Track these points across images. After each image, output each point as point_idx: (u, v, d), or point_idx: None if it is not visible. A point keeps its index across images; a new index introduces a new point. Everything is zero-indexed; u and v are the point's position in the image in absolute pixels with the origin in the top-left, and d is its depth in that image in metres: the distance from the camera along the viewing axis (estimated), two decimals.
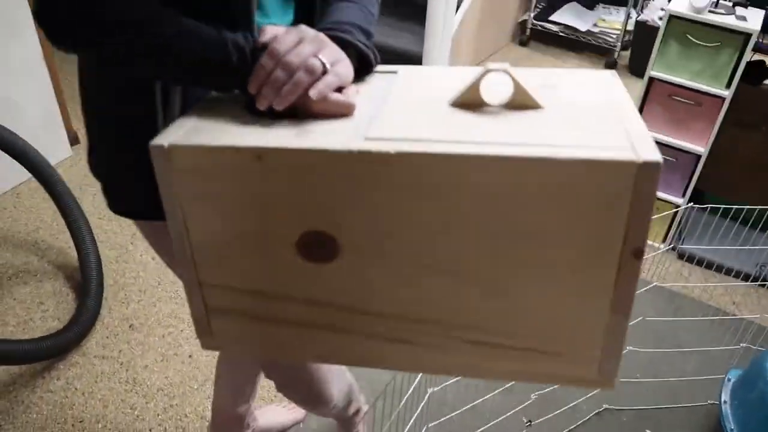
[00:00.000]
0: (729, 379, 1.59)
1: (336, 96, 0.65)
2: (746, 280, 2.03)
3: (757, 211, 1.86)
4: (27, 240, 2.09)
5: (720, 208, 1.76)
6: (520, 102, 0.63)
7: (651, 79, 2.00)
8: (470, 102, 0.64)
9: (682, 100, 1.97)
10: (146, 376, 1.68)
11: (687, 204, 2.10)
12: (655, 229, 2.20)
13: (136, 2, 0.65)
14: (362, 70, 0.74)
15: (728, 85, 1.89)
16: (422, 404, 1.18)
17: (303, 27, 0.68)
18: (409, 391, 1.17)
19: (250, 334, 0.72)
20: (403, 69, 0.76)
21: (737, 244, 1.98)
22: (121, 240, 2.11)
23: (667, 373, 1.73)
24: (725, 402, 1.54)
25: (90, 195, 2.30)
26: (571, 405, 1.62)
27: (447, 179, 0.57)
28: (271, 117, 0.65)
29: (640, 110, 2.07)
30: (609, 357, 0.65)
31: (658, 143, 2.02)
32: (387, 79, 0.74)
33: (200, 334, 0.73)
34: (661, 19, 2.27)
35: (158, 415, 1.58)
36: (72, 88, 2.84)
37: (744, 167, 2.06)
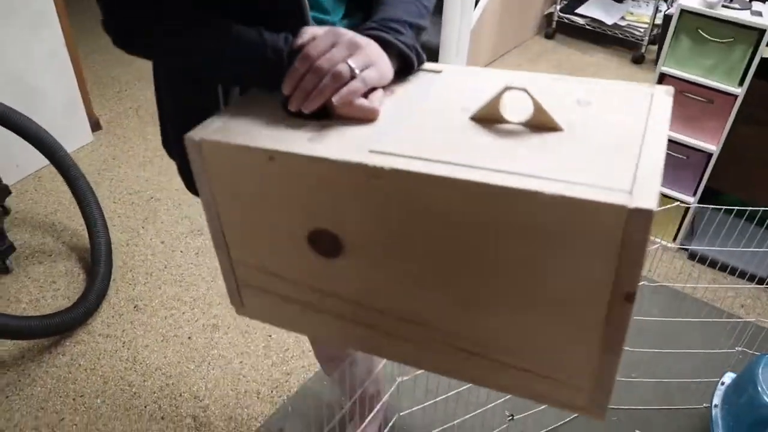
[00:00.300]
0: (723, 383, 1.56)
1: (360, 102, 0.67)
2: (760, 283, 1.97)
3: None
4: (44, 222, 2.18)
5: (733, 208, 1.71)
6: (540, 122, 0.62)
7: (662, 75, 1.95)
8: (489, 117, 0.64)
9: (694, 96, 1.92)
10: (146, 356, 1.74)
11: (698, 203, 2.05)
12: (665, 228, 2.16)
13: (184, 14, 0.73)
14: (405, 69, 0.75)
15: (741, 83, 1.84)
16: (391, 389, 1.19)
17: (340, 30, 0.70)
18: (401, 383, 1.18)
19: (271, 308, 0.79)
20: (447, 69, 0.76)
21: (751, 245, 1.93)
22: (132, 224, 2.18)
23: (664, 374, 1.70)
24: (716, 406, 1.51)
25: (107, 180, 2.38)
26: None
27: (435, 200, 0.58)
28: (304, 117, 0.68)
29: None
30: (599, 390, 0.64)
31: (669, 141, 2.00)
32: (427, 80, 0.75)
33: (234, 304, 0.82)
34: None
35: (154, 393, 1.64)
36: (94, 76, 2.94)
37: (758, 166, 2.00)
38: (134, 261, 2.04)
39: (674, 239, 2.17)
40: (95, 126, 2.62)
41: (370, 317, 0.71)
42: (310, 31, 0.71)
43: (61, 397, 1.62)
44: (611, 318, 0.58)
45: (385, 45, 0.72)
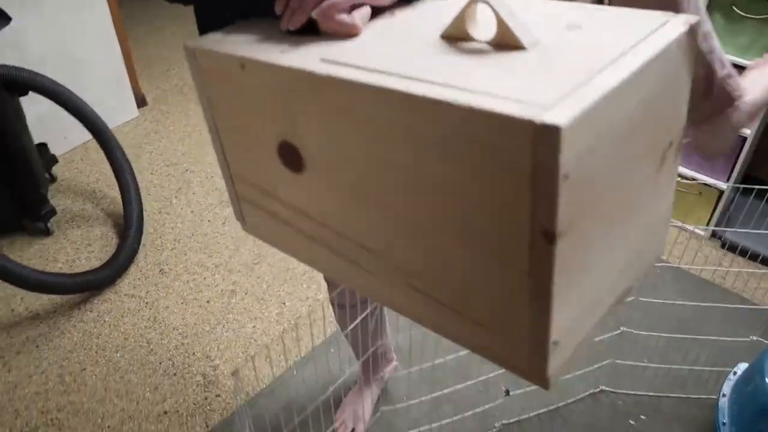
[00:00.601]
0: (735, 373, 1.50)
1: (340, 17, 0.66)
2: None
3: None
4: (86, 189, 2.31)
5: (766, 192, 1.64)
6: (504, 40, 0.57)
7: None
8: (456, 35, 0.60)
9: None
10: (166, 316, 1.83)
11: (732, 189, 1.97)
12: (697, 214, 2.08)
13: None
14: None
15: None
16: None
17: None
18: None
19: (266, 225, 0.80)
20: None
21: None
22: (166, 194, 2.28)
23: (679, 361, 1.65)
24: (724, 395, 1.45)
25: (147, 152, 2.50)
26: (562, 379, 1.59)
27: (371, 111, 0.56)
28: (298, 34, 0.68)
29: None
30: (535, 351, 0.57)
31: None
32: (435, 6, 0.72)
33: (238, 220, 0.84)
34: None
35: (169, 351, 1.72)
36: (144, 56, 3.08)
37: None
38: (164, 228, 2.14)
39: (707, 226, 2.09)
40: (141, 102, 2.75)
41: (333, 240, 0.71)
42: None
43: (85, 349, 1.73)
44: (533, 260, 0.52)
45: None
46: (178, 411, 1.57)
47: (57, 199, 2.25)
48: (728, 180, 1.98)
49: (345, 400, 1.54)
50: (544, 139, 0.44)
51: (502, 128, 0.47)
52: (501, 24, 0.56)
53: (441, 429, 1.50)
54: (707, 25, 0.85)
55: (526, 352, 0.57)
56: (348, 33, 0.66)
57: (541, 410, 1.54)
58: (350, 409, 1.50)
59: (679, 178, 2.05)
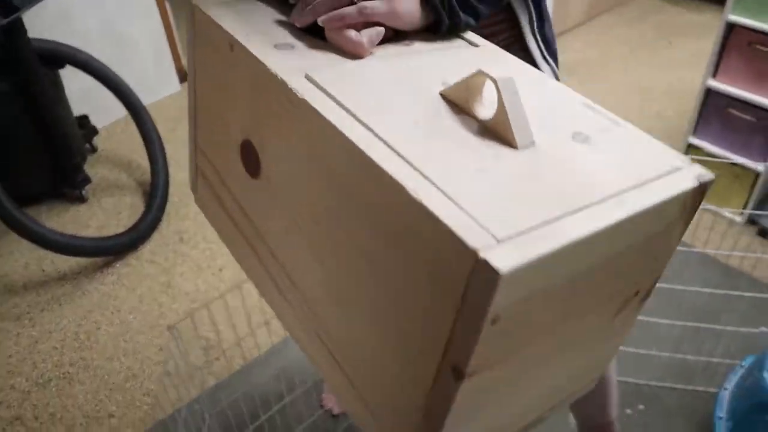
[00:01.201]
0: (742, 366, 1.40)
1: (347, 32, 0.60)
2: None
3: None
4: (123, 160, 2.43)
5: None
6: (499, 129, 0.50)
7: (729, 25, 1.74)
8: (456, 99, 0.54)
9: (765, 49, 1.70)
10: (179, 282, 1.90)
11: None
12: (732, 199, 1.94)
13: None
14: (434, 27, 0.65)
15: None
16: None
17: None
18: None
19: (213, 207, 0.78)
20: (488, 48, 0.66)
21: None
22: None
23: (691, 351, 1.56)
24: (725, 389, 1.37)
25: (184, 126, 2.58)
26: None
27: (326, 149, 0.51)
28: (305, 31, 0.64)
29: (717, 63, 1.82)
30: None
31: (737, 100, 1.78)
32: (455, 46, 0.65)
33: (191, 188, 0.83)
34: None
35: (179, 314, 1.79)
36: (180, 26, 3.17)
37: None
38: (189, 198, 2.21)
39: (742, 211, 1.95)
40: (183, 77, 2.84)
41: (264, 254, 0.67)
42: None
43: (101, 309, 1.83)
44: (435, 390, 0.46)
45: None
46: (178, 372, 1.63)
47: (95, 168, 2.37)
48: (766, 161, 1.84)
49: None
50: (480, 275, 0.39)
51: (444, 240, 0.41)
52: (501, 112, 0.49)
53: None
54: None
55: None
56: (352, 52, 0.60)
57: None
58: None
59: (711, 158, 1.92)
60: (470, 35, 0.67)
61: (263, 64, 0.56)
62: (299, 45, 0.61)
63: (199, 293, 1.86)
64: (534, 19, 0.83)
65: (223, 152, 0.69)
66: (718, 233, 1.87)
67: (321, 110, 0.50)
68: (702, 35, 2.94)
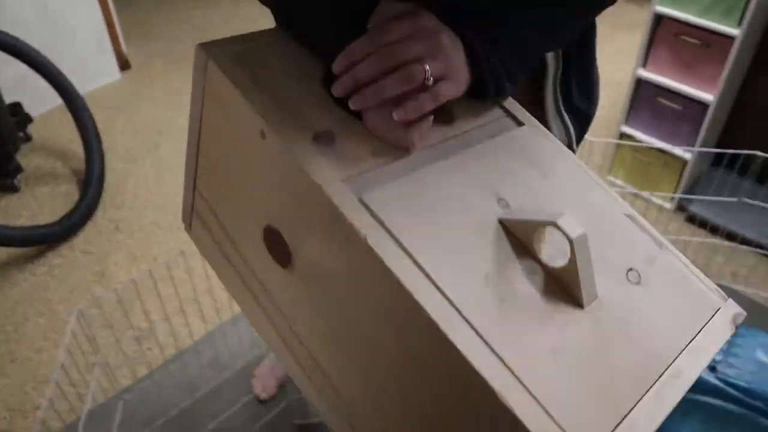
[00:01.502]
0: None
1: (396, 132, 0.53)
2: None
3: None
4: (59, 149, 2.36)
5: (736, 163, 1.56)
6: (565, 282, 0.49)
7: (658, 17, 1.79)
8: (517, 233, 0.51)
9: (690, 39, 1.75)
10: (113, 271, 1.87)
11: (697, 160, 1.88)
12: (662, 185, 2.00)
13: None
14: (472, 95, 0.57)
15: (740, 23, 1.65)
16: None
17: (426, 15, 0.53)
18: None
19: (211, 250, 0.73)
20: (533, 129, 0.62)
21: (755, 206, 1.74)
22: (134, 154, 2.32)
23: None
24: None
25: (124, 114, 2.54)
26: None
27: (373, 286, 0.49)
28: (339, 102, 0.55)
29: (646, 54, 1.87)
30: None
31: (665, 89, 1.84)
32: (496, 126, 0.60)
33: (183, 221, 0.79)
34: None
35: (110, 304, 1.76)
36: (132, 20, 3.10)
37: None
38: (126, 187, 2.17)
39: (672, 196, 2.01)
40: (124, 65, 2.78)
41: (291, 336, 0.63)
42: (392, 7, 0.54)
43: (31, 300, 1.78)
44: None
45: (472, 58, 0.54)
46: (108, 362, 1.60)
47: (29, 157, 2.30)
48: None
49: (265, 360, 1.55)
50: None
51: (505, 425, 0.42)
52: (572, 270, 0.48)
53: None
54: None
55: None
56: (403, 149, 0.53)
57: None
58: (267, 365, 1.51)
59: (640, 144, 1.97)
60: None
61: (306, 173, 0.49)
62: (339, 133, 0.53)
63: (132, 283, 1.82)
64: (559, 72, 0.75)
65: (238, 221, 0.63)
66: (649, 219, 1.92)
67: (388, 264, 0.46)
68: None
